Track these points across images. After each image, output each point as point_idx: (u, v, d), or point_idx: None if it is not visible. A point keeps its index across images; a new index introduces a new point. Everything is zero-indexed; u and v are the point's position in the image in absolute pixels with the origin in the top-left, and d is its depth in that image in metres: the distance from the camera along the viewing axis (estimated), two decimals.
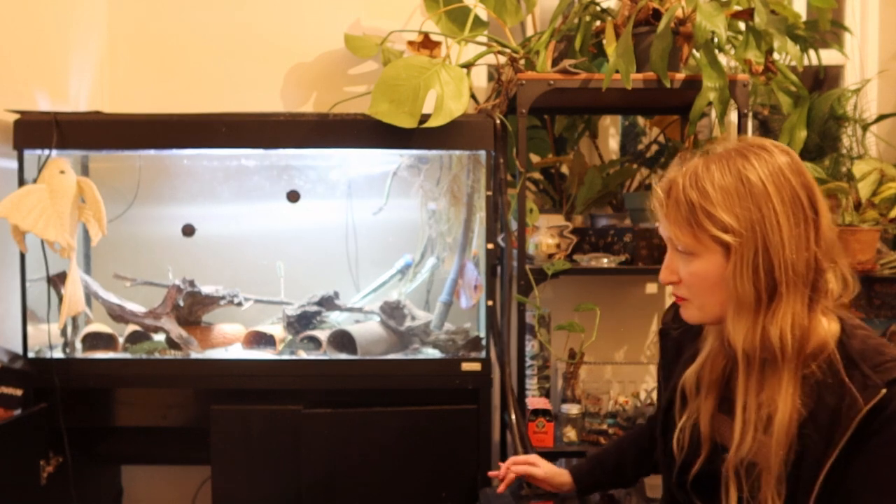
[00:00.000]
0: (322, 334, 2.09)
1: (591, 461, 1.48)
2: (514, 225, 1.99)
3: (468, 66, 2.22)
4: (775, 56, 2.03)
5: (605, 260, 2.07)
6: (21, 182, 1.93)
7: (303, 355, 2.06)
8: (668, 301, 2.55)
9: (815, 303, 1.04)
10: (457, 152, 2.15)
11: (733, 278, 1.03)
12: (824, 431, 1.00)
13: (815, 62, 2.20)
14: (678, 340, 1.26)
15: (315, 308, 2.16)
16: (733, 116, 2.24)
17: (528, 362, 2.07)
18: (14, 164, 1.94)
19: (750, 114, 2.35)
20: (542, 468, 1.48)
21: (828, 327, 1.05)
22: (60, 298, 1.92)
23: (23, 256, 1.95)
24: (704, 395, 1.14)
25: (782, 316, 1.01)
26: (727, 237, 1.02)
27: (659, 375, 1.30)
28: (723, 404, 1.14)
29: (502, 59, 2.16)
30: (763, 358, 1.05)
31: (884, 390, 0.97)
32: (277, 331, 2.15)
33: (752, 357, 1.05)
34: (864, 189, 2.16)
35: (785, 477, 1.02)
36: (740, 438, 1.06)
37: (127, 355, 2.07)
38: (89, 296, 2.09)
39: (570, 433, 2.01)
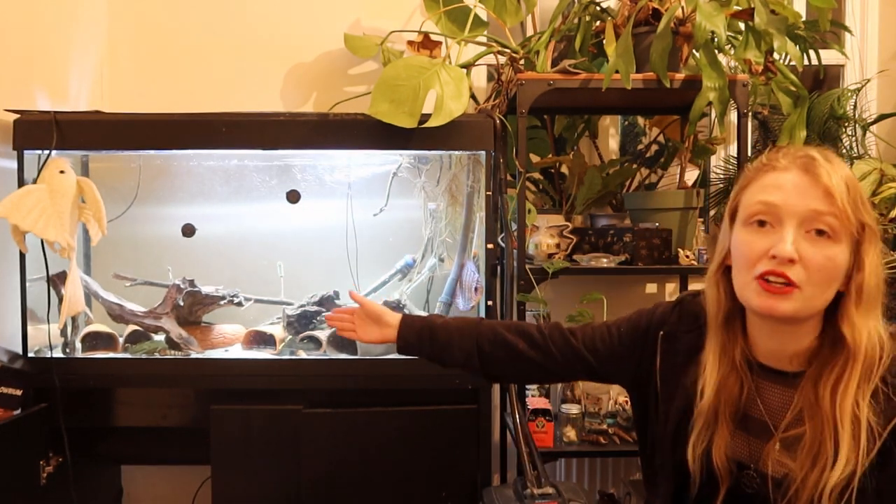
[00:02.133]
0: (322, 334, 2.09)
1: (427, 329, 1.37)
2: (513, 225, 1.99)
3: (468, 66, 2.22)
4: (775, 56, 2.03)
5: (605, 260, 2.07)
6: (21, 182, 1.93)
7: (303, 355, 2.06)
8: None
9: None
10: (457, 152, 2.15)
11: (875, 273, 1.01)
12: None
13: (815, 62, 2.20)
14: (687, 346, 1.16)
15: (315, 308, 2.16)
16: (733, 116, 2.25)
17: None
18: (14, 164, 1.94)
19: (750, 114, 2.35)
20: (371, 305, 1.44)
21: None
22: (60, 298, 1.92)
23: (23, 256, 1.95)
24: (722, 424, 1.09)
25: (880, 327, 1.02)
26: (875, 226, 1.00)
27: (656, 377, 1.18)
28: (738, 423, 1.09)
29: (502, 59, 2.16)
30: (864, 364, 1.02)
31: None
32: (277, 331, 2.15)
33: (867, 358, 1.01)
34: (864, 189, 2.16)
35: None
36: (840, 456, 0.98)
37: (127, 355, 2.07)
38: (89, 296, 2.09)
39: (570, 433, 2.01)
